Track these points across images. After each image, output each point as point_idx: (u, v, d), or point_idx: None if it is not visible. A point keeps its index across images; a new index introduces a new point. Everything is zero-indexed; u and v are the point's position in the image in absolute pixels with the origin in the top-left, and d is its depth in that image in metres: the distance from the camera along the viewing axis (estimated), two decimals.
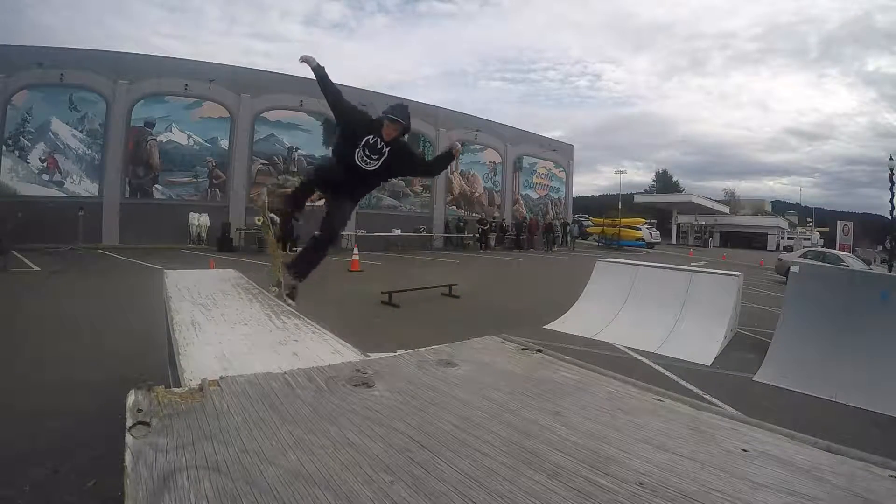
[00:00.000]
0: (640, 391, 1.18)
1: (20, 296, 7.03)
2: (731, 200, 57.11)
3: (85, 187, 15.54)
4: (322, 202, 3.15)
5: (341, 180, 2.95)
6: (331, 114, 3.05)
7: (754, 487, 0.74)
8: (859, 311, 4.49)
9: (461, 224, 22.20)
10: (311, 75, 2.92)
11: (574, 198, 33.75)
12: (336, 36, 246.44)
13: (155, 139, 16.39)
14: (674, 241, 42.68)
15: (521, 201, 26.07)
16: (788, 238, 41.84)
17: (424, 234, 20.87)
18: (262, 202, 3.37)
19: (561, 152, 28.38)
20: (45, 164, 15.05)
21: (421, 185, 21.61)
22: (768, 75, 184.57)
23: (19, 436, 2.68)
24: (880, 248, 29.29)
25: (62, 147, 15.29)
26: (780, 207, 58.86)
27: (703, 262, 16.35)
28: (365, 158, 2.85)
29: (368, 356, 1.48)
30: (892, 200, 18.61)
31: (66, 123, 15.33)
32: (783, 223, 47.99)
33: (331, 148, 3.21)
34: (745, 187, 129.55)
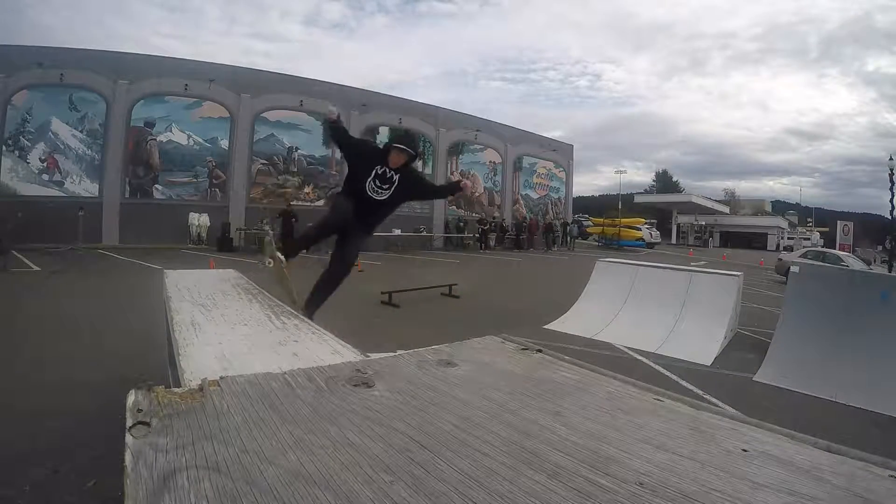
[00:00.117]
0: (640, 391, 1.18)
1: (20, 296, 7.04)
2: (731, 200, 57.11)
3: (85, 187, 15.54)
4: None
5: (354, 215, 2.96)
6: None
7: (754, 487, 0.74)
8: (859, 311, 4.49)
9: (461, 224, 22.20)
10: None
11: (574, 198, 33.78)
12: (336, 36, 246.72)
13: (155, 139, 16.39)
14: (674, 241, 42.63)
15: (521, 201, 26.06)
16: (788, 238, 41.81)
17: (424, 234, 20.85)
18: (271, 251, 3.15)
19: (561, 152, 28.37)
20: (45, 164, 15.05)
21: None
22: (768, 75, 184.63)
23: (19, 436, 2.68)
24: (880, 248, 29.30)
25: (62, 147, 15.29)
26: (780, 207, 58.86)
27: (703, 262, 16.34)
28: (376, 189, 2.93)
29: (368, 356, 1.48)
30: (892, 200, 18.64)
31: (66, 123, 15.33)
32: (783, 223, 47.95)
33: (337, 188, 3.23)
34: (745, 187, 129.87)
